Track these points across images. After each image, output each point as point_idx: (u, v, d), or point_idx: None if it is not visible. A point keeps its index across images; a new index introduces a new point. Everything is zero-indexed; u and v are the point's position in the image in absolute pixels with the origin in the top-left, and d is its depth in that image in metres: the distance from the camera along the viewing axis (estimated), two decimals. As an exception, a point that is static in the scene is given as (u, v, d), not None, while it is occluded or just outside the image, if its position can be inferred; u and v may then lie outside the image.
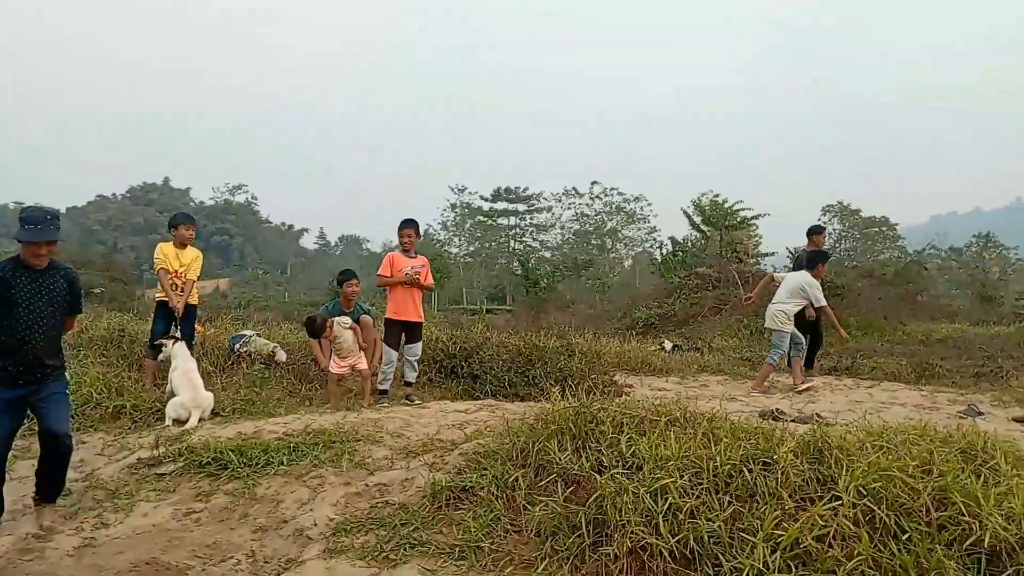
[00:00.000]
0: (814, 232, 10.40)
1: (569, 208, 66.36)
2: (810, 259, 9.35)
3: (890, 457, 3.65)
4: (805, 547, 3.19)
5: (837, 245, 44.71)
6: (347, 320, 7.26)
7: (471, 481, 4.29)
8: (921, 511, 3.30)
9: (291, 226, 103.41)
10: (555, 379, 7.70)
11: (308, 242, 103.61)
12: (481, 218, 68.65)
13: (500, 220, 68.69)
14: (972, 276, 28.80)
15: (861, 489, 3.42)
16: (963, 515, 3.23)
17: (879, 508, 3.31)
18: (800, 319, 9.45)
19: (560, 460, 4.08)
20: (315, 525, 4.15)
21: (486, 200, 68.02)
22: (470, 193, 68.62)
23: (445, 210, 68.93)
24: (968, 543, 3.13)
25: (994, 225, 42.69)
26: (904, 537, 3.20)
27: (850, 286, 17.44)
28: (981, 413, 7.68)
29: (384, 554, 3.75)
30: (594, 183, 64.30)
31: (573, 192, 65.55)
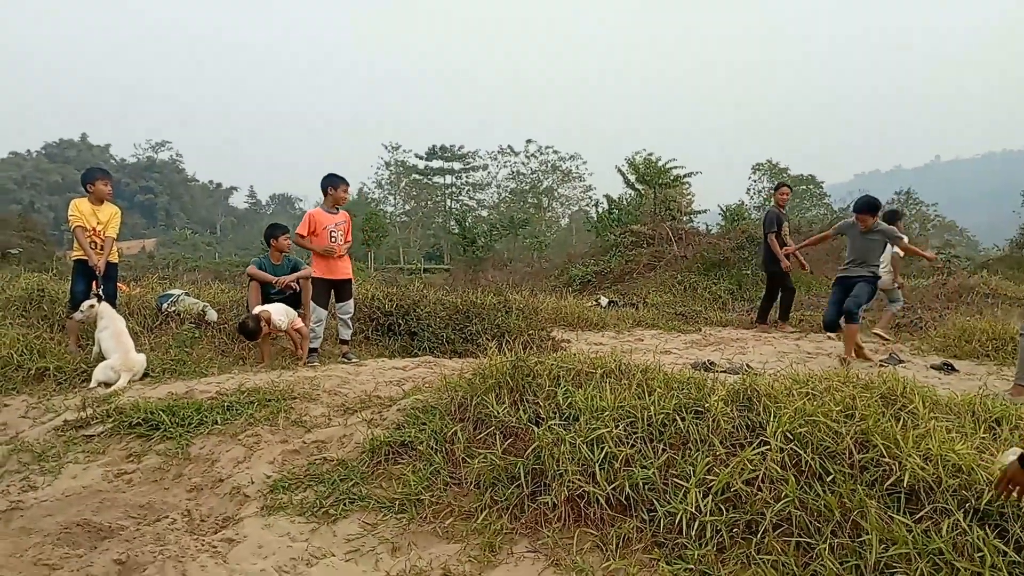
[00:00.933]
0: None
1: (505, 167, 66.11)
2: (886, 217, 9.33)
3: (815, 403, 3.79)
4: (735, 491, 3.31)
5: (766, 203, 45.71)
6: (284, 319, 7.08)
7: (410, 436, 4.29)
8: (844, 454, 3.45)
9: (219, 184, 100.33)
10: (493, 335, 7.73)
11: (238, 201, 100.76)
12: (417, 176, 67.83)
13: (436, 179, 68.01)
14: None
15: (788, 434, 3.55)
16: (884, 457, 3.38)
17: (805, 452, 3.45)
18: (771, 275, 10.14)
19: (498, 413, 4.12)
20: (252, 483, 4.10)
21: (421, 158, 67.20)
22: (405, 151, 67.65)
23: (379, 168, 67.87)
24: (888, 483, 3.28)
25: (914, 182, 44.34)
26: (828, 479, 3.34)
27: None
28: (902, 361, 8.04)
29: (323, 509, 3.74)
30: (529, 141, 64.12)
31: (508, 151, 65.26)
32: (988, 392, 4.71)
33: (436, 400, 4.69)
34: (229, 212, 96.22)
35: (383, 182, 68.10)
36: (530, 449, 3.78)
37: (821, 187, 48.13)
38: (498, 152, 66.08)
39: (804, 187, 46.96)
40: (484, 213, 61.70)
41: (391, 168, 67.56)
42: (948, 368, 7.59)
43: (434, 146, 66.71)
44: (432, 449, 4.12)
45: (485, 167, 67.03)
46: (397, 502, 3.75)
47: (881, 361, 7.96)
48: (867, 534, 3.01)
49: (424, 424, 4.39)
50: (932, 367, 7.67)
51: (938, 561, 2.91)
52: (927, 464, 3.29)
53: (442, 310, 8.40)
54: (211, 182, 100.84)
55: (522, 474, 3.67)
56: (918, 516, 3.12)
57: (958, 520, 3.04)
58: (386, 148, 67.74)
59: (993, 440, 3.76)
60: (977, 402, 4.16)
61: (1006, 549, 2.94)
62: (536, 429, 3.88)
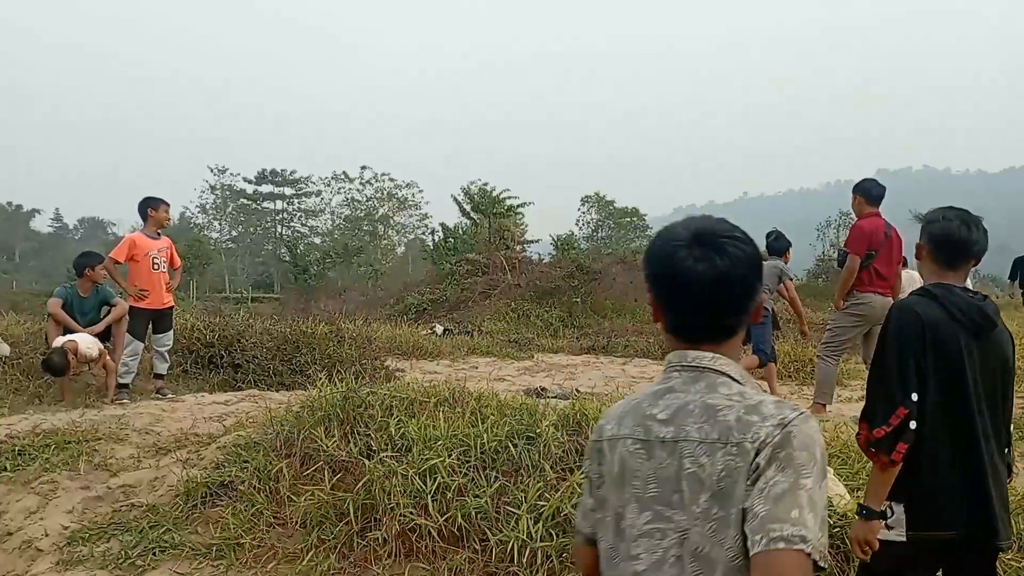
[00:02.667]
0: None
1: (339, 193, 64.79)
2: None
3: (640, 425, 3.93)
4: (566, 515, 3.35)
5: (594, 233, 47.82)
6: (93, 348, 6.50)
7: (230, 475, 4.03)
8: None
9: (19, 206, 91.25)
10: (324, 366, 7.46)
11: (41, 224, 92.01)
12: (245, 201, 65.04)
13: (266, 204, 65.51)
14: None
15: (615, 456, 3.65)
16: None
17: (630, 473, 3.56)
18: None
19: (327, 447, 3.96)
20: (46, 535, 3.69)
21: (250, 182, 64.53)
22: (232, 175, 64.75)
23: (204, 192, 64.47)
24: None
25: (726, 215, 47.87)
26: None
27: (606, 271, 18.68)
28: (715, 384, 8.55)
29: (129, 560, 3.42)
30: (364, 168, 63.30)
31: (343, 177, 64.06)
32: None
33: (260, 436, 4.44)
34: (30, 237, 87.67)
35: (208, 207, 64.77)
36: (361, 483, 3.66)
37: (644, 219, 50.95)
38: (332, 178, 64.66)
39: (628, 219, 49.50)
40: (317, 240, 60.06)
41: (217, 192, 64.41)
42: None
43: (264, 170, 64.26)
44: (255, 488, 3.88)
45: (318, 193, 65.36)
46: (215, 547, 3.49)
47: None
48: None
49: (247, 462, 4.14)
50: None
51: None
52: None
53: (269, 340, 8.02)
54: (9, 204, 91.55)
55: (351, 510, 3.54)
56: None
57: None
58: (212, 171, 64.55)
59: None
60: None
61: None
62: (367, 462, 3.76)
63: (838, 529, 3.29)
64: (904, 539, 2.24)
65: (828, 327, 6.64)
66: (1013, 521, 2.30)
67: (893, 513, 2.23)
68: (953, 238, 2.34)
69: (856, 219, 6.49)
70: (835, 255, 19.42)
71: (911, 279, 8.52)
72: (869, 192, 6.37)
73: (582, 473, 2.02)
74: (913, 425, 2.16)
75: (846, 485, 3.70)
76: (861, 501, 2.33)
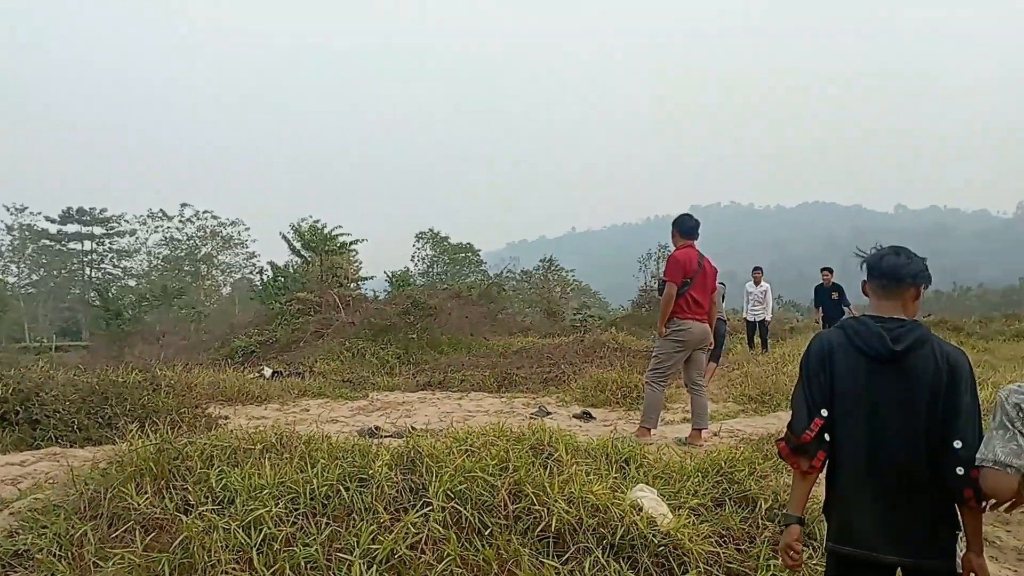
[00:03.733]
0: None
1: (157, 232, 60.76)
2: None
3: (473, 459, 3.94)
4: (400, 556, 3.28)
5: (430, 269, 47.85)
6: None
7: (26, 543, 3.62)
8: (500, 506, 3.61)
9: None
10: (136, 417, 6.91)
11: None
12: (47, 242, 59.49)
13: (72, 245, 60.27)
14: (540, 295, 33.02)
15: (449, 492, 3.63)
16: (534, 504, 3.60)
17: (465, 508, 3.55)
18: None
19: (138, 504, 3.65)
20: None
21: (53, 222, 59.16)
22: (32, 213, 59.07)
23: (-1, 233, 58.26)
24: (539, 529, 3.50)
25: (556, 250, 49.63)
26: (487, 532, 3.47)
27: (441, 306, 18.70)
28: (549, 412, 8.77)
29: None
30: (184, 205, 59.86)
31: (161, 215, 60.24)
32: (618, 435, 5.28)
33: (61, 497, 4.03)
34: None
35: (3, 249, 58.66)
36: (177, 541, 3.39)
37: (479, 254, 51.63)
38: (148, 216, 60.60)
39: (463, 255, 49.98)
40: (132, 283, 55.94)
41: (15, 233, 58.51)
42: (587, 416, 8.45)
43: (69, 208, 59.18)
44: (55, 556, 3.50)
45: (133, 232, 60.96)
46: (6, 627, 3.11)
47: (532, 414, 8.61)
48: (522, 582, 3.16)
49: (45, 527, 3.73)
50: (574, 416, 8.48)
51: (583, 597, 3.15)
52: (571, 507, 3.57)
53: (73, 392, 7.32)
54: None
55: (167, 571, 3.27)
56: (565, 558, 3.35)
57: (598, 557, 3.33)
58: (8, 210, 58.59)
59: (623, 479, 4.21)
60: (609, 445, 4.64)
61: (638, 577, 3.28)
62: (184, 518, 3.51)
63: (663, 548, 3.44)
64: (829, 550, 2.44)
65: (653, 355, 6.99)
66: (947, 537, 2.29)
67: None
68: (891, 271, 2.44)
69: (673, 250, 6.92)
70: (656, 285, 20.57)
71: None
72: (684, 225, 6.85)
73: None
74: (827, 437, 2.36)
75: (669, 504, 3.88)
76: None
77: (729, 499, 4.13)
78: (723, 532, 3.75)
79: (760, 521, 3.91)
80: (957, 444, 2.22)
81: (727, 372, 11.98)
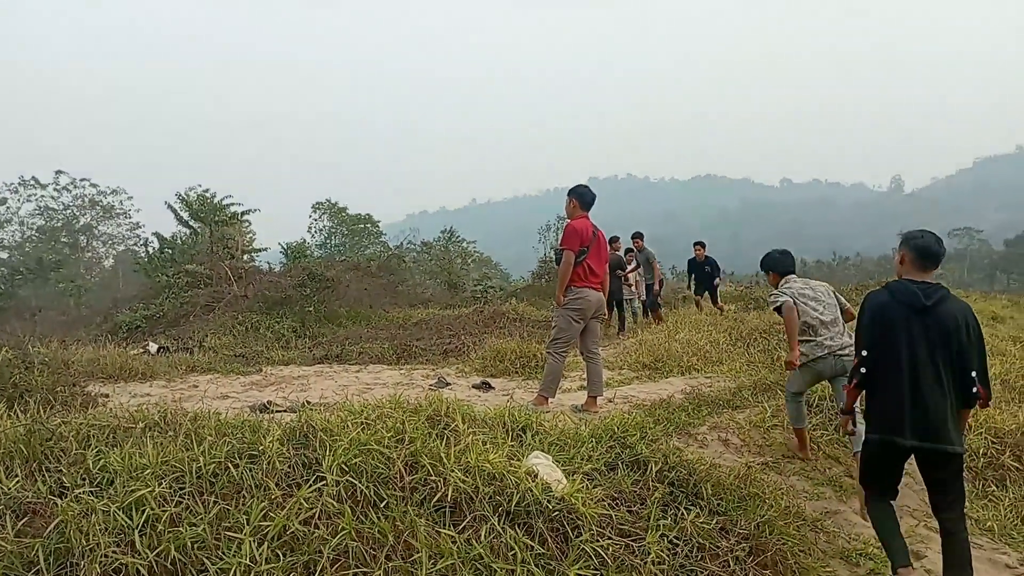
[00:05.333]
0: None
1: (30, 200, 56.74)
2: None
3: (369, 432, 3.88)
4: (292, 533, 3.21)
5: (327, 241, 46.78)
6: None
7: None
8: (396, 478, 3.58)
9: None
10: (6, 397, 6.47)
11: None
12: None
13: (-71, 215, 55.64)
14: (440, 266, 32.80)
15: (344, 466, 3.57)
16: (431, 475, 3.59)
17: (360, 482, 3.50)
18: None
19: (8, 488, 3.43)
20: None
21: (-95, 189, 54.37)
22: None
23: None
24: (436, 499, 3.49)
25: (457, 221, 49.49)
26: (383, 504, 3.43)
27: (339, 279, 18.34)
28: (448, 383, 8.77)
29: None
30: (59, 172, 56.13)
31: (34, 183, 56.29)
32: (515, 404, 5.33)
33: (-81, 486, 3.73)
34: None
35: None
36: (52, 526, 3.21)
37: (378, 226, 50.80)
38: (20, 184, 56.53)
39: (362, 226, 49.09)
40: (3, 255, 52.23)
41: None
42: (486, 386, 8.50)
43: (-72, 174, 54.55)
44: (-88, 548, 3.25)
45: (4, 201, 56.79)
46: None
47: (431, 385, 8.59)
48: (418, 552, 3.15)
49: None
50: (473, 386, 8.51)
51: (479, 566, 3.17)
52: (467, 476, 3.58)
53: (-66, 373, 6.79)
54: None
55: (41, 557, 3.08)
56: (461, 526, 3.37)
57: (494, 524, 3.35)
58: None
59: (520, 447, 4.26)
60: (506, 414, 4.68)
61: (532, 544, 3.33)
62: (59, 501, 3.31)
63: (557, 513, 3.51)
64: (873, 438, 3.64)
65: (553, 325, 7.06)
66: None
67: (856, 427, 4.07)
68: (930, 251, 3.64)
69: (569, 221, 6.99)
70: (553, 256, 20.80)
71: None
72: (583, 197, 6.92)
73: None
74: (863, 370, 3.63)
75: (563, 470, 3.95)
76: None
77: (622, 463, 4.24)
78: (615, 495, 3.86)
79: (651, 483, 4.04)
80: (973, 373, 3.47)
81: (622, 340, 12.29)
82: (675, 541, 3.63)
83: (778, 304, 5.38)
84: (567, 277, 6.70)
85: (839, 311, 5.49)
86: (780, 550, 3.86)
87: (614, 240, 14.01)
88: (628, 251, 14.68)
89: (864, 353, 3.61)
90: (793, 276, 5.70)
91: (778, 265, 5.74)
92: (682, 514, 3.81)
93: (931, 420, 3.45)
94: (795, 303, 5.30)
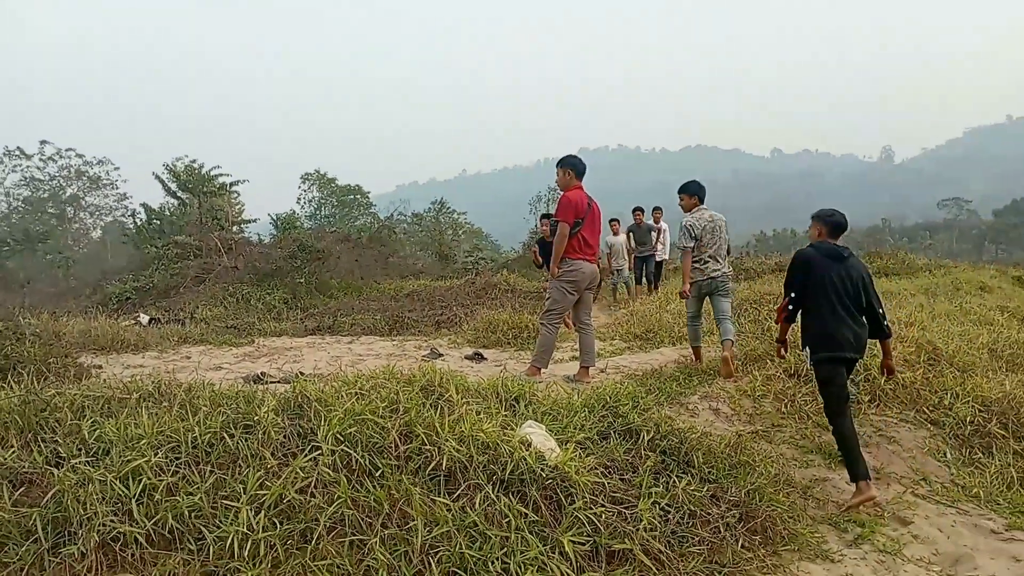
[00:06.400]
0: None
1: (15, 171, 56.02)
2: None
3: (363, 402, 3.91)
4: (289, 501, 3.24)
5: (317, 212, 46.53)
6: None
7: None
8: (391, 447, 3.62)
9: None
10: (-1, 369, 6.48)
11: None
12: None
13: (-83, 184, 54.92)
14: (431, 238, 32.70)
15: (339, 436, 3.60)
16: (425, 445, 3.63)
17: (355, 451, 3.53)
18: None
19: (4, 459, 3.44)
20: None
21: None
22: None
23: None
24: (430, 468, 3.53)
25: (447, 192, 49.18)
26: (378, 474, 3.47)
27: (330, 250, 18.27)
28: (441, 354, 8.80)
29: None
30: (44, 143, 55.37)
31: (19, 153, 55.57)
32: (508, 375, 5.36)
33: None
34: None
35: None
36: (49, 495, 3.23)
37: (368, 197, 50.50)
38: (4, 154, 55.77)
39: (352, 196, 48.81)
40: (-10, 227, 51.68)
41: None
42: (479, 357, 8.53)
43: (-91, 144, 53.69)
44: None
45: (-12, 172, 56.03)
46: None
47: (423, 356, 8.62)
48: (413, 520, 3.19)
49: None
50: (466, 357, 8.54)
51: (474, 533, 3.22)
52: (461, 446, 3.62)
53: (-75, 344, 6.77)
54: None
55: (39, 526, 3.11)
56: (456, 494, 3.41)
57: (488, 492, 3.40)
58: None
59: (513, 416, 4.29)
60: (499, 384, 4.71)
61: (526, 511, 3.37)
62: (56, 471, 3.33)
63: (550, 481, 3.55)
64: (822, 356, 4.57)
65: (547, 296, 7.07)
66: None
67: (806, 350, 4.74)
68: (841, 225, 4.83)
69: (562, 192, 6.96)
70: (538, 229, 20.70)
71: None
72: (577, 167, 6.88)
73: None
74: (791, 307, 4.70)
75: (557, 439, 3.99)
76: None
77: (614, 432, 4.29)
78: (608, 463, 3.90)
79: (643, 452, 4.09)
80: (881, 310, 4.69)
81: (614, 312, 12.34)
82: (667, 508, 3.69)
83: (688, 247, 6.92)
84: (562, 248, 6.69)
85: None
86: (770, 516, 3.92)
87: (637, 210, 14.19)
88: (612, 220, 14.40)
89: (792, 295, 4.68)
90: (704, 206, 7.09)
91: (702, 191, 7.16)
92: (673, 482, 3.87)
93: (858, 336, 4.58)
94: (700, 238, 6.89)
